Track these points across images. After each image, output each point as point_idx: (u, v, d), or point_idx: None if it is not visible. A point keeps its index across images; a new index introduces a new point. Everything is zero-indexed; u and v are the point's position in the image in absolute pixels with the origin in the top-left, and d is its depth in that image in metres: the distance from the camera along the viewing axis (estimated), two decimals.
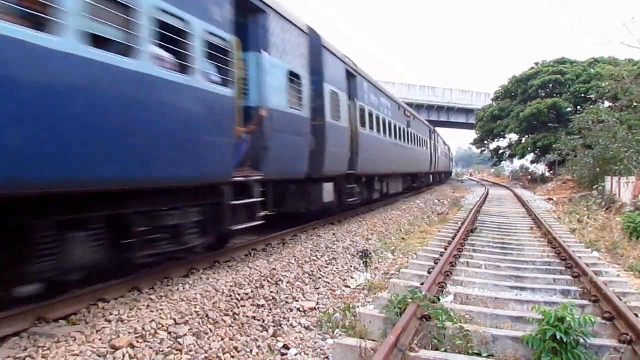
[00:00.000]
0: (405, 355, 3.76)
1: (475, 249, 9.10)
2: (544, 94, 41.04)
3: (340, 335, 4.76)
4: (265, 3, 7.23)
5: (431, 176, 31.08)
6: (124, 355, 3.56)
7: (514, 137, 46.43)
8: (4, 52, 3.30)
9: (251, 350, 4.34)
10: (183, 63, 5.17)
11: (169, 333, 4.04)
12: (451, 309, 4.79)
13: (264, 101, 7.14)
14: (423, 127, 25.89)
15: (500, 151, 51.35)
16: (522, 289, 6.31)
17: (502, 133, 46.16)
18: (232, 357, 4.11)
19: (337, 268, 7.67)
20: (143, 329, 3.96)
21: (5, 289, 4.10)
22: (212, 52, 5.67)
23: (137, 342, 3.78)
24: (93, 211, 4.50)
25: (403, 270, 7.23)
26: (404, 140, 19.08)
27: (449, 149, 47.51)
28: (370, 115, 13.65)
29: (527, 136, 43.01)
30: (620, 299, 5.08)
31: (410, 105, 27.86)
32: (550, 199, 24.41)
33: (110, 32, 4.19)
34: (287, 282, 6.19)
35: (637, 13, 53.41)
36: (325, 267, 7.48)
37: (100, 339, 3.74)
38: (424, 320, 4.38)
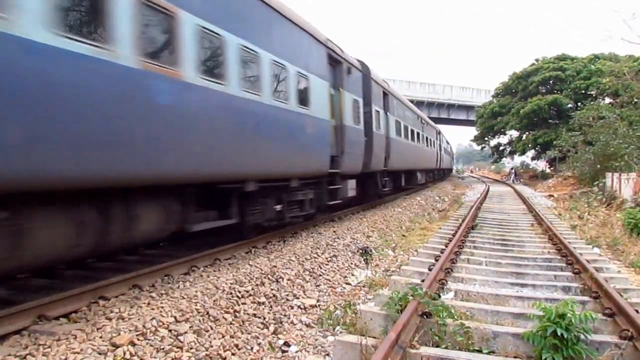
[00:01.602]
0: (405, 352, 3.76)
1: (476, 245, 9.09)
2: (544, 91, 40.99)
3: (340, 332, 4.77)
4: None
5: (351, 184, 11.63)
6: (124, 353, 3.57)
7: (514, 133, 46.40)
8: None
9: (252, 348, 4.35)
10: None
11: (170, 330, 4.05)
12: (452, 305, 4.79)
13: None
14: (304, 46, 8.98)
15: (501, 148, 51.32)
16: (523, 285, 6.31)
17: (502, 129, 46.13)
18: (233, 354, 4.12)
19: (337, 265, 7.67)
20: (144, 326, 3.96)
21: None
22: None
23: (138, 339, 3.78)
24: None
25: (403, 267, 7.23)
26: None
27: (439, 133, 32.82)
28: None
29: (527, 133, 43.01)
30: (620, 295, 5.07)
31: (410, 102, 24.08)
32: (550, 196, 24.38)
33: None
34: (288, 280, 6.19)
35: (637, 9, 53.24)
36: (326, 264, 7.48)
37: (100, 337, 3.75)
38: (425, 317, 4.38)
